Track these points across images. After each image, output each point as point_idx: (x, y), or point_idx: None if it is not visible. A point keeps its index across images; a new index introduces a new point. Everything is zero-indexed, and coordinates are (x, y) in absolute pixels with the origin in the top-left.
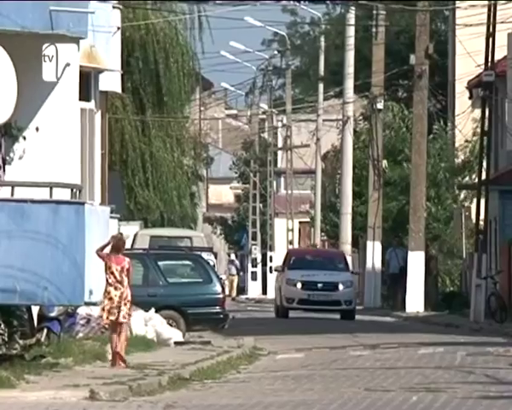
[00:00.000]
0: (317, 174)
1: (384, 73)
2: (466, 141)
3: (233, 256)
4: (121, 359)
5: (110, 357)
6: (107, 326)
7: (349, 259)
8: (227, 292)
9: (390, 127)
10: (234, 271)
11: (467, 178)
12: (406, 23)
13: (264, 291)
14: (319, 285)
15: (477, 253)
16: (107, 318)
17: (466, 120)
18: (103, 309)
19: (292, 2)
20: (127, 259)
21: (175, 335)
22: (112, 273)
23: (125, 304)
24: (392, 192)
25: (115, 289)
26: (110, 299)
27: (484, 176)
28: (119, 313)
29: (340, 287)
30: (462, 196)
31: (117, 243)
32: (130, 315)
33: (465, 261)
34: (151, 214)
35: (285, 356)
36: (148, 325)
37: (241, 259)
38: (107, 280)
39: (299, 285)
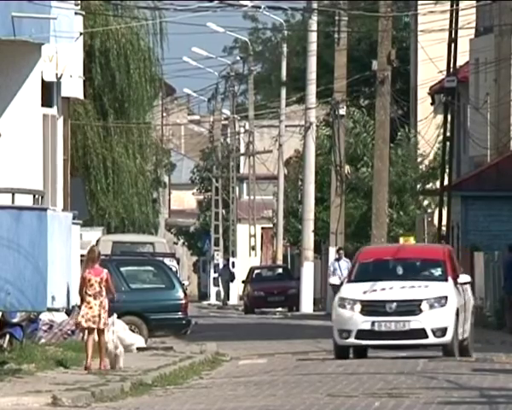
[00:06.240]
0: (279, 180)
1: (346, 79)
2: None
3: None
4: (103, 361)
5: (88, 362)
6: (84, 332)
7: (311, 265)
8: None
9: (351, 133)
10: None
11: (430, 184)
12: (368, 29)
13: (227, 297)
14: (389, 307)
15: None
16: (87, 325)
17: (428, 126)
18: (82, 316)
19: (253, 7)
20: (105, 270)
21: (137, 341)
22: (91, 285)
23: (104, 313)
24: (355, 198)
25: (95, 298)
26: (90, 308)
27: (446, 181)
28: (99, 321)
29: (425, 307)
30: (425, 202)
31: (91, 255)
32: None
33: None
34: (112, 220)
35: (247, 362)
36: (110, 330)
37: (203, 264)
38: (86, 292)
39: (357, 308)
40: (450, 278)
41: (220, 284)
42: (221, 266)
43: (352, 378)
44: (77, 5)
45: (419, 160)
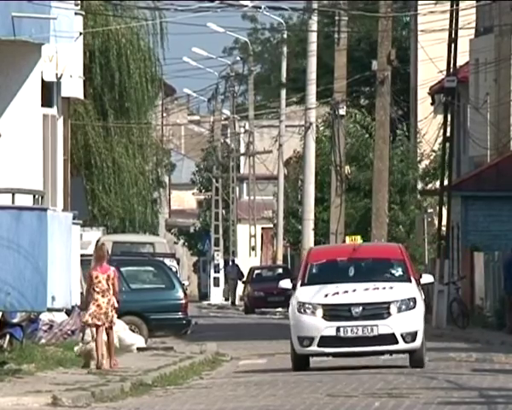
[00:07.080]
0: (279, 180)
1: (346, 79)
2: (432, 151)
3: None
4: (113, 359)
5: (96, 360)
6: (92, 330)
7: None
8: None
9: (351, 135)
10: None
11: (431, 184)
12: (368, 29)
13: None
14: (355, 310)
15: (439, 258)
16: (93, 322)
17: (429, 125)
18: (89, 314)
19: (253, 7)
20: (112, 267)
21: (137, 341)
22: (99, 282)
23: (112, 310)
24: (355, 198)
25: (103, 296)
26: (98, 306)
27: (446, 181)
28: (106, 318)
29: (393, 310)
30: (426, 202)
31: (99, 253)
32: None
33: (427, 267)
34: (112, 220)
35: (247, 362)
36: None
37: (203, 264)
38: (94, 289)
39: (319, 313)
40: (412, 279)
41: (227, 282)
42: (221, 265)
43: (352, 378)
44: (77, 5)
45: (418, 159)
